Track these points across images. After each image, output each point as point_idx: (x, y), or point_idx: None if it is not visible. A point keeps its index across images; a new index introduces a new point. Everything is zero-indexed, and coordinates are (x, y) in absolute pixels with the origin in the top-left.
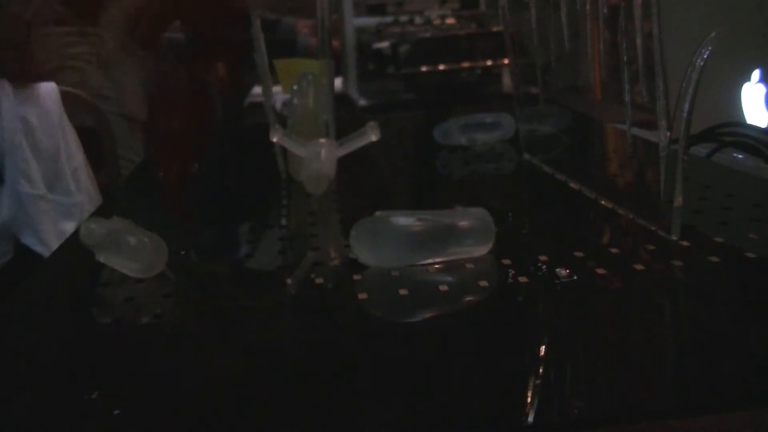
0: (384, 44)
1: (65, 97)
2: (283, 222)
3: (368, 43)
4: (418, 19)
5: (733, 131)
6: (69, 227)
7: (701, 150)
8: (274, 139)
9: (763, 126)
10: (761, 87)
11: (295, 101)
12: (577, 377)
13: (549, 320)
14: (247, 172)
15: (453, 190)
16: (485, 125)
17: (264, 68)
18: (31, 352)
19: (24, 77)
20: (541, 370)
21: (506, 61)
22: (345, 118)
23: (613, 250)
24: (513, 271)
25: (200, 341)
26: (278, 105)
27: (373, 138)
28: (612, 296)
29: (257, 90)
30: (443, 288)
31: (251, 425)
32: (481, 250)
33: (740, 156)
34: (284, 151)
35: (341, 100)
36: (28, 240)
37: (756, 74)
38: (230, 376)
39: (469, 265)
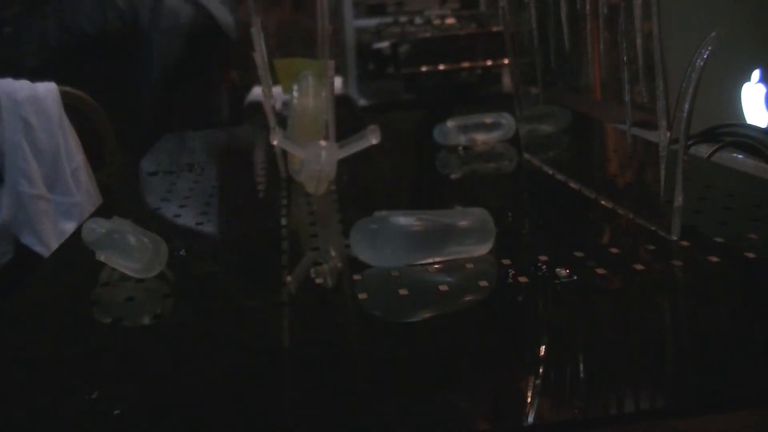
0: (384, 44)
1: (65, 97)
2: (283, 222)
3: (368, 44)
4: (418, 19)
5: (733, 131)
6: (69, 227)
7: (701, 150)
8: (275, 142)
9: (763, 126)
10: (761, 87)
11: (295, 101)
12: (577, 377)
13: (549, 320)
14: (247, 172)
15: (453, 190)
16: (485, 125)
17: (264, 68)
18: (31, 352)
19: None
20: (541, 370)
21: (506, 61)
22: (345, 118)
23: (613, 250)
24: (513, 271)
25: (200, 341)
26: (278, 105)
27: (374, 141)
28: (612, 296)
29: (257, 90)
30: (443, 288)
31: (251, 425)
32: (481, 250)
33: (740, 156)
34: (284, 151)
35: (341, 100)
36: (28, 240)
37: (756, 74)
38: (230, 376)
39: (469, 265)
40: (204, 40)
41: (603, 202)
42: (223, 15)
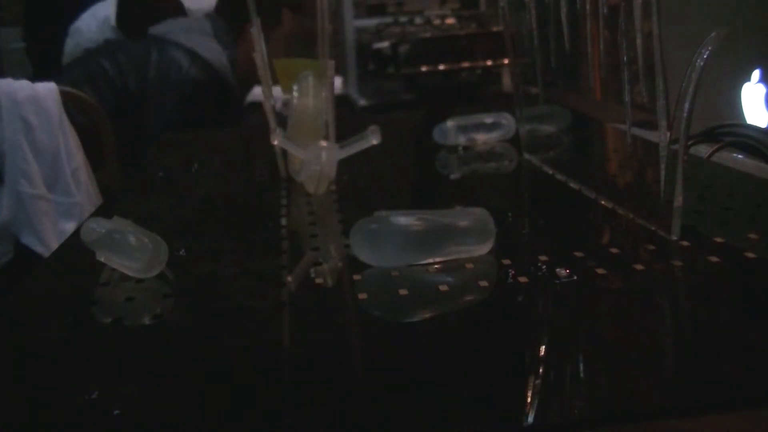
0: (384, 44)
1: (65, 97)
2: (283, 222)
3: (368, 44)
4: (418, 19)
5: (733, 131)
6: (69, 227)
7: (701, 150)
8: (275, 143)
9: (763, 126)
10: (761, 87)
11: (295, 101)
12: (577, 377)
13: (549, 320)
14: (247, 172)
15: (453, 190)
16: (485, 125)
17: (264, 68)
18: (31, 351)
19: None
20: (541, 370)
21: (506, 61)
22: (345, 119)
23: (613, 250)
24: (513, 271)
25: (200, 341)
26: (278, 105)
27: (374, 142)
28: (612, 296)
29: (257, 90)
30: (443, 288)
31: (251, 425)
32: (481, 250)
33: (740, 156)
34: (284, 151)
35: (341, 100)
36: (28, 240)
37: (756, 74)
38: (230, 376)
39: (469, 265)
40: (203, 87)
41: (603, 202)
42: (216, 56)
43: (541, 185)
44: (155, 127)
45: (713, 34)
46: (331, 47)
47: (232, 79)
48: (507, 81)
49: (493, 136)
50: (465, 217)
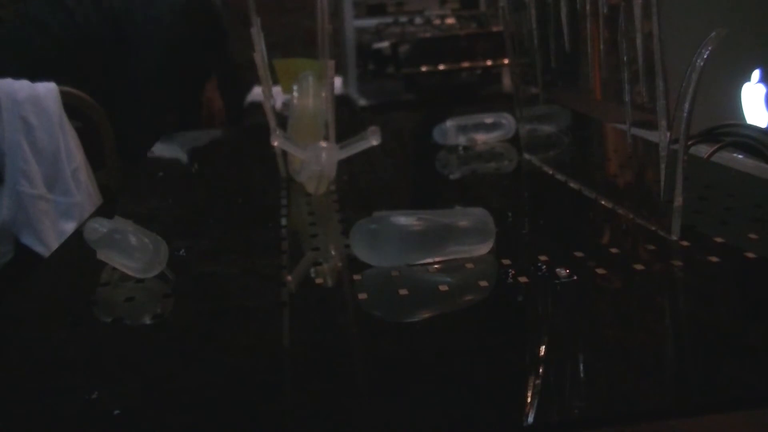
0: (384, 44)
1: (65, 97)
2: (283, 222)
3: (368, 44)
4: (418, 19)
5: (733, 131)
6: (69, 227)
7: (701, 150)
8: (275, 143)
9: (763, 126)
10: (761, 87)
11: (295, 101)
12: (577, 377)
13: (549, 320)
14: (247, 172)
15: (453, 190)
16: (485, 125)
17: (264, 68)
18: (31, 351)
19: None
20: (541, 370)
21: (506, 61)
22: (345, 118)
23: (613, 250)
24: (513, 271)
25: (200, 341)
26: (278, 105)
27: (374, 142)
28: (612, 296)
29: (257, 90)
30: (443, 288)
31: (251, 425)
32: (481, 249)
33: (740, 156)
34: (284, 151)
35: (341, 100)
36: (28, 240)
37: (756, 74)
38: (230, 375)
39: (469, 265)
40: (189, 15)
41: (603, 202)
42: None
43: (541, 185)
44: (144, 62)
45: (713, 34)
46: (331, 47)
47: (219, 8)
48: (507, 81)
49: (493, 136)
50: (465, 217)
